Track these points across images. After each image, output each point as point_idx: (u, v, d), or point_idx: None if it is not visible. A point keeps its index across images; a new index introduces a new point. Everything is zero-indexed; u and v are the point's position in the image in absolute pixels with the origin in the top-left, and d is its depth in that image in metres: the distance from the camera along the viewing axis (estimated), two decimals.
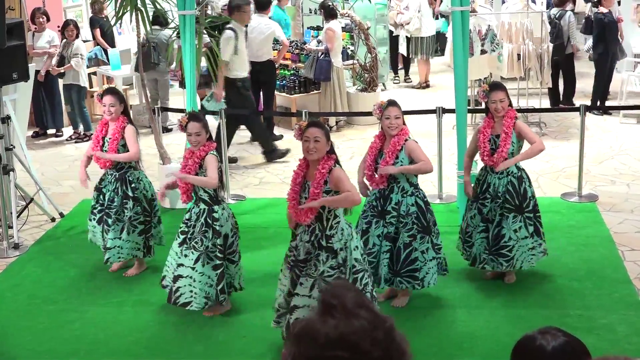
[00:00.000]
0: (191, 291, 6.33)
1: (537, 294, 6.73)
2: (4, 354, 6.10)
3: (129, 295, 6.99)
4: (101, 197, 7.25)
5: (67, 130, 12.34)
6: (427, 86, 14.34)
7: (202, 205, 6.34)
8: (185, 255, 6.33)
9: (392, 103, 6.44)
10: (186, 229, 6.38)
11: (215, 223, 6.31)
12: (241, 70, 10.24)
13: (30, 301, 6.98)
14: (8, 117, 8.43)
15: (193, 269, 6.30)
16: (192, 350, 6.08)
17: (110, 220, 7.16)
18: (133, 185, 7.19)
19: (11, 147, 8.44)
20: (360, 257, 5.70)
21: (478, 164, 7.20)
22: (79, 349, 6.15)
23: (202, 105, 9.95)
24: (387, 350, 1.84)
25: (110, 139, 7.13)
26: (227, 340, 6.19)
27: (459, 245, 7.00)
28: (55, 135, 12.21)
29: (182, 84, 11.39)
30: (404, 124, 6.40)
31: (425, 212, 6.36)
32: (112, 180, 7.19)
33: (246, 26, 10.35)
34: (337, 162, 5.60)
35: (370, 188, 6.50)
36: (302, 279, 5.59)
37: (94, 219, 7.31)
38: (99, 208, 7.26)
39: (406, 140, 6.30)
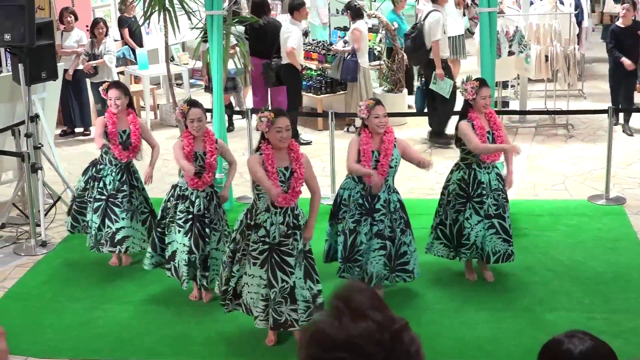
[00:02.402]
0: (203, 274, 6.63)
1: (563, 296, 6.67)
2: (29, 350, 6.14)
3: (153, 294, 7.00)
4: (101, 186, 7.32)
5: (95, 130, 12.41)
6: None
7: (209, 189, 6.63)
8: (207, 241, 6.56)
9: (378, 102, 6.53)
10: (189, 217, 6.52)
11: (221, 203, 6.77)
12: (444, 51, 10.92)
13: (56, 298, 7.02)
14: (37, 116, 8.48)
15: (216, 249, 6.61)
16: (215, 350, 6.08)
17: (118, 210, 7.28)
18: (136, 175, 7.46)
19: (40, 145, 8.49)
20: None
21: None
22: (102, 347, 6.17)
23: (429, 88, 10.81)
24: (392, 352, 1.82)
25: (130, 131, 7.29)
26: (250, 340, 6.17)
27: (441, 251, 6.91)
28: (83, 134, 12.26)
29: (207, 88, 11.39)
30: None
31: (404, 207, 6.58)
32: (117, 170, 7.30)
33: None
34: None
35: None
36: (289, 260, 5.78)
37: (90, 210, 7.34)
38: (98, 197, 7.32)
39: (395, 138, 6.49)
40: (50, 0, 12.23)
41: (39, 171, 8.27)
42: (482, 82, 6.83)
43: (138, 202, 7.41)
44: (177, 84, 13.21)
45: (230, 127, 11.64)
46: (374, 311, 1.86)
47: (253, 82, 12.07)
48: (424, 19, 10.85)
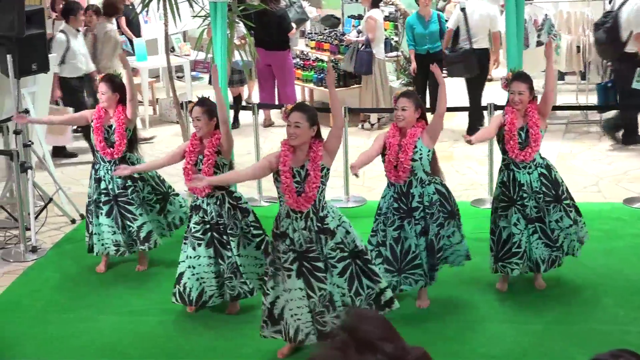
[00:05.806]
0: (242, 281, 6.53)
1: (596, 308, 6.63)
2: None
3: (147, 304, 7.01)
4: (103, 187, 7.37)
5: None
6: None
7: (218, 192, 6.49)
8: (228, 249, 6.49)
9: (404, 94, 6.51)
10: (207, 227, 6.48)
11: (239, 202, 6.59)
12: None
13: (48, 308, 7.02)
14: (27, 111, 8.50)
15: (239, 255, 6.51)
16: None
17: (132, 207, 7.36)
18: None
19: (29, 143, 8.51)
20: (358, 237, 5.94)
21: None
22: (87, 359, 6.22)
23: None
24: None
25: (114, 127, 7.32)
26: (230, 346, 6.20)
27: (497, 264, 6.84)
28: (76, 131, 12.29)
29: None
30: (424, 118, 6.48)
31: (448, 197, 6.53)
32: (113, 167, 7.29)
33: None
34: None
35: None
36: (320, 265, 5.72)
37: (101, 213, 7.38)
38: (105, 199, 7.37)
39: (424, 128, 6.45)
40: None
41: (29, 171, 8.27)
42: (515, 76, 6.79)
43: (145, 193, 7.50)
44: (177, 77, 13.23)
45: (235, 124, 11.59)
46: (383, 342, 1.82)
47: (259, 75, 12.05)
48: (618, 8, 10.24)
